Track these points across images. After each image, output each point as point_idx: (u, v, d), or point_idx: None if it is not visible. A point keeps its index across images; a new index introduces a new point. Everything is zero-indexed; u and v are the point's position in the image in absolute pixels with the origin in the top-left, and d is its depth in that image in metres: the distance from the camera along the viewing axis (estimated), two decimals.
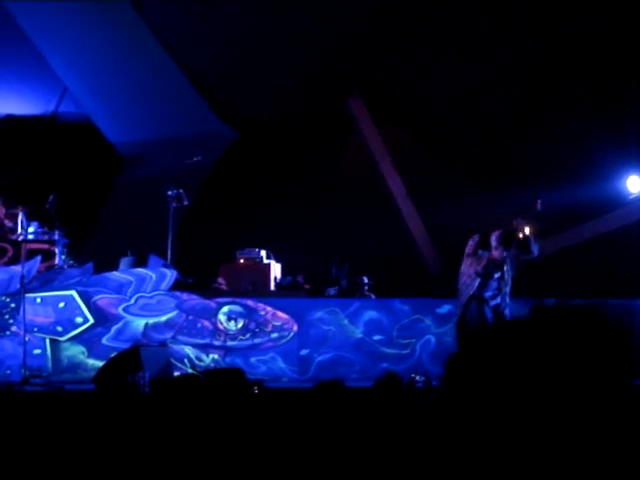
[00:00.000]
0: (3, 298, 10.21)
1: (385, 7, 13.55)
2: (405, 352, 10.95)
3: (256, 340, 10.70)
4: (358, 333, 10.93)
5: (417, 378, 9.78)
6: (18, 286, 10.19)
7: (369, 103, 14.87)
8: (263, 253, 12.45)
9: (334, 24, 13.46)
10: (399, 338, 10.97)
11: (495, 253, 9.57)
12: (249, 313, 10.72)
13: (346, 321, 10.93)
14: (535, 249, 9.60)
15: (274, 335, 10.72)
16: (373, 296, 12.21)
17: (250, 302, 10.79)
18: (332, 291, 12.04)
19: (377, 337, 10.94)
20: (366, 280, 12.32)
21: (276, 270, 12.38)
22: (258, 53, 13.72)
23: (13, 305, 10.22)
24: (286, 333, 10.75)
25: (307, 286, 12.05)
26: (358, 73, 14.57)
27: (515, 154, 13.83)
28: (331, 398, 4.61)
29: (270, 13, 13.35)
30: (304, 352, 10.81)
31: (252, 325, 10.70)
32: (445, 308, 11.01)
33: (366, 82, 14.81)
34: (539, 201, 9.81)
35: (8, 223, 11.75)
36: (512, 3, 13.36)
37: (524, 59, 13.71)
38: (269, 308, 10.78)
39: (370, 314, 10.99)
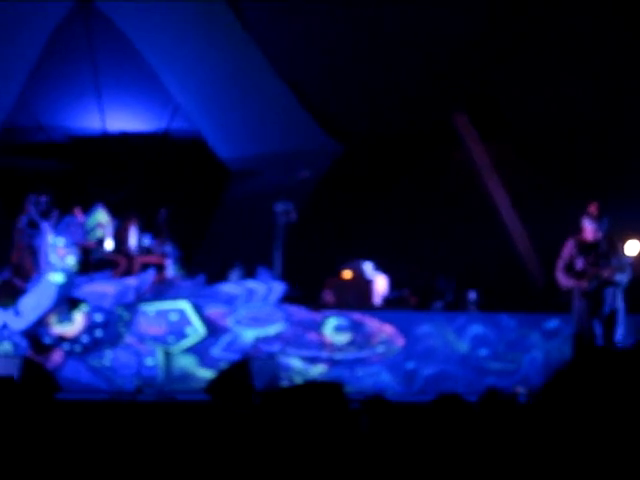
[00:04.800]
0: (118, 309, 10.52)
1: (491, 23, 13.54)
2: (512, 367, 10.90)
3: (362, 353, 10.77)
4: (464, 348, 10.93)
5: (520, 391, 9.73)
6: (132, 298, 10.52)
7: (474, 117, 14.85)
8: (368, 266, 12.55)
9: (440, 39, 13.50)
10: (506, 353, 10.93)
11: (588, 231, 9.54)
12: (355, 326, 10.80)
13: (452, 335, 10.93)
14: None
15: (380, 349, 10.78)
16: (478, 311, 12.19)
17: (356, 315, 10.88)
18: (438, 305, 12.06)
19: (483, 352, 10.92)
20: (472, 294, 12.30)
21: (381, 283, 12.46)
22: (364, 67, 13.84)
23: (127, 316, 10.53)
24: (392, 347, 10.80)
25: (413, 300, 12.09)
26: (463, 88, 14.58)
27: (625, 169, 13.63)
28: (451, 412, 4.65)
29: (375, 28, 13.47)
30: (410, 366, 10.85)
31: (358, 338, 10.78)
32: (553, 323, 10.94)
33: (471, 97, 14.80)
34: None
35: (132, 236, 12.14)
36: (618, 17, 13.21)
37: (633, 71, 13.52)
38: (375, 321, 10.85)
39: (476, 329, 10.97)
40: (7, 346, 10.29)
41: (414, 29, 13.27)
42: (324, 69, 13.98)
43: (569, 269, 9.60)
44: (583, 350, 9.57)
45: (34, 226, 12.18)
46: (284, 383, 10.24)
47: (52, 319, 10.45)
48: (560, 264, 9.67)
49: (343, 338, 10.76)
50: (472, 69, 14.05)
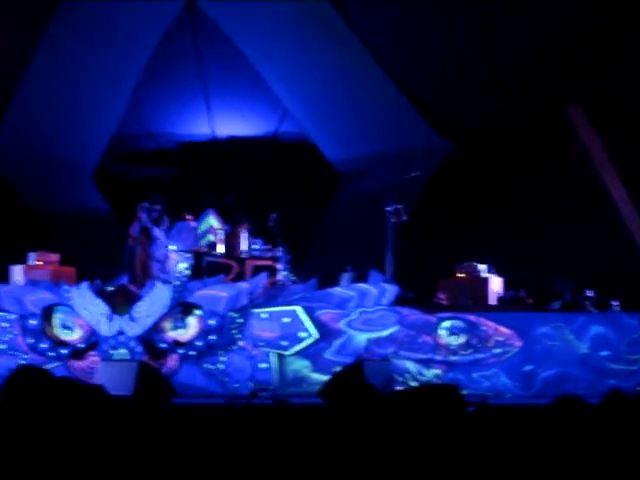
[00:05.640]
0: (231, 314, 10.53)
1: (604, 12, 13.17)
2: (634, 368, 10.54)
3: (478, 355, 10.56)
4: (584, 348, 10.61)
5: None
6: (245, 302, 10.51)
7: (590, 110, 14.46)
8: (482, 267, 12.32)
9: (552, 31, 13.18)
10: (628, 354, 10.57)
11: None
12: (471, 328, 10.59)
13: (571, 336, 10.62)
14: None
15: (497, 350, 10.55)
16: (596, 311, 11.84)
17: (471, 317, 10.67)
18: (556, 305, 11.76)
19: (604, 353, 10.58)
20: (590, 294, 11.95)
21: (496, 284, 12.21)
22: (472, 62, 13.61)
23: (241, 320, 10.53)
24: (509, 348, 10.56)
25: (530, 300, 11.81)
26: (578, 80, 14.20)
27: None
28: (572, 414, 4.47)
29: (485, 22, 13.22)
30: (528, 368, 10.58)
31: (474, 340, 10.57)
32: None
33: (586, 89, 14.41)
34: None
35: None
36: None
37: None
38: (491, 323, 10.62)
39: (596, 329, 10.64)
40: (123, 352, 10.40)
41: (526, 21, 12.99)
42: (433, 66, 13.80)
43: None
44: None
45: (147, 233, 12.31)
46: (398, 386, 10.10)
47: (167, 324, 10.52)
48: None
49: (458, 340, 10.56)
50: (586, 61, 13.68)
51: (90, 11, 13.65)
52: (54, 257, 13.02)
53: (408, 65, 14.04)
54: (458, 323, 10.60)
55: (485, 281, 12.14)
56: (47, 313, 10.57)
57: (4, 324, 10.59)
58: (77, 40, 13.95)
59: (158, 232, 11.94)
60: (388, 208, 11.90)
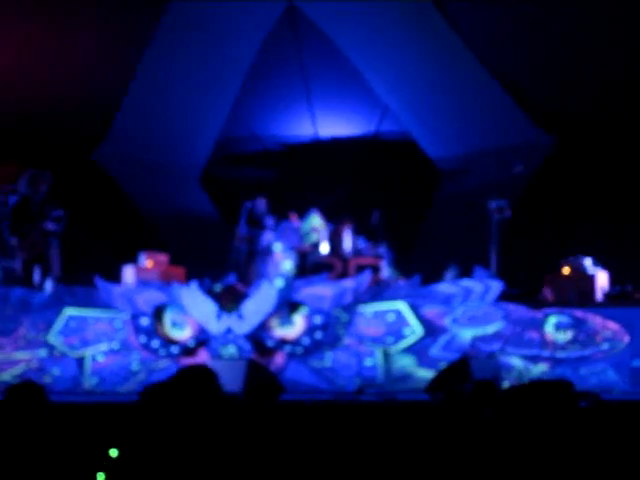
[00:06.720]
0: (336, 311, 10.65)
1: None
2: None
3: (585, 351, 10.47)
4: None
5: None
6: (350, 299, 10.63)
7: None
8: (588, 262, 12.17)
9: None
10: None
11: None
12: (577, 324, 10.51)
13: None
14: None
15: (604, 346, 10.45)
16: None
17: (578, 312, 10.58)
18: None
19: None
20: None
21: (603, 279, 12.06)
22: (574, 52, 13.46)
23: (346, 317, 10.65)
24: (617, 344, 10.44)
25: (637, 295, 11.64)
26: None
27: None
28: None
29: (586, 16, 13.07)
30: (637, 363, 10.45)
31: (581, 336, 10.48)
32: None
33: None
34: None
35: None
36: None
37: None
38: (598, 318, 10.52)
39: None
40: (232, 349, 10.62)
41: (630, 14, 12.80)
42: (535, 61, 13.69)
43: None
44: None
45: (252, 232, 12.53)
46: (505, 383, 10.08)
47: (274, 322, 10.70)
48: None
49: (565, 336, 10.48)
50: None
51: (194, 15, 13.93)
52: (163, 257, 13.34)
53: (509, 60, 13.96)
54: (564, 319, 10.53)
55: (592, 277, 12.00)
56: (158, 312, 10.86)
57: (117, 323, 10.92)
58: (183, 43, 14.25)
59: (263, 231, 12.16)
60: (491, 204, 11.87)
